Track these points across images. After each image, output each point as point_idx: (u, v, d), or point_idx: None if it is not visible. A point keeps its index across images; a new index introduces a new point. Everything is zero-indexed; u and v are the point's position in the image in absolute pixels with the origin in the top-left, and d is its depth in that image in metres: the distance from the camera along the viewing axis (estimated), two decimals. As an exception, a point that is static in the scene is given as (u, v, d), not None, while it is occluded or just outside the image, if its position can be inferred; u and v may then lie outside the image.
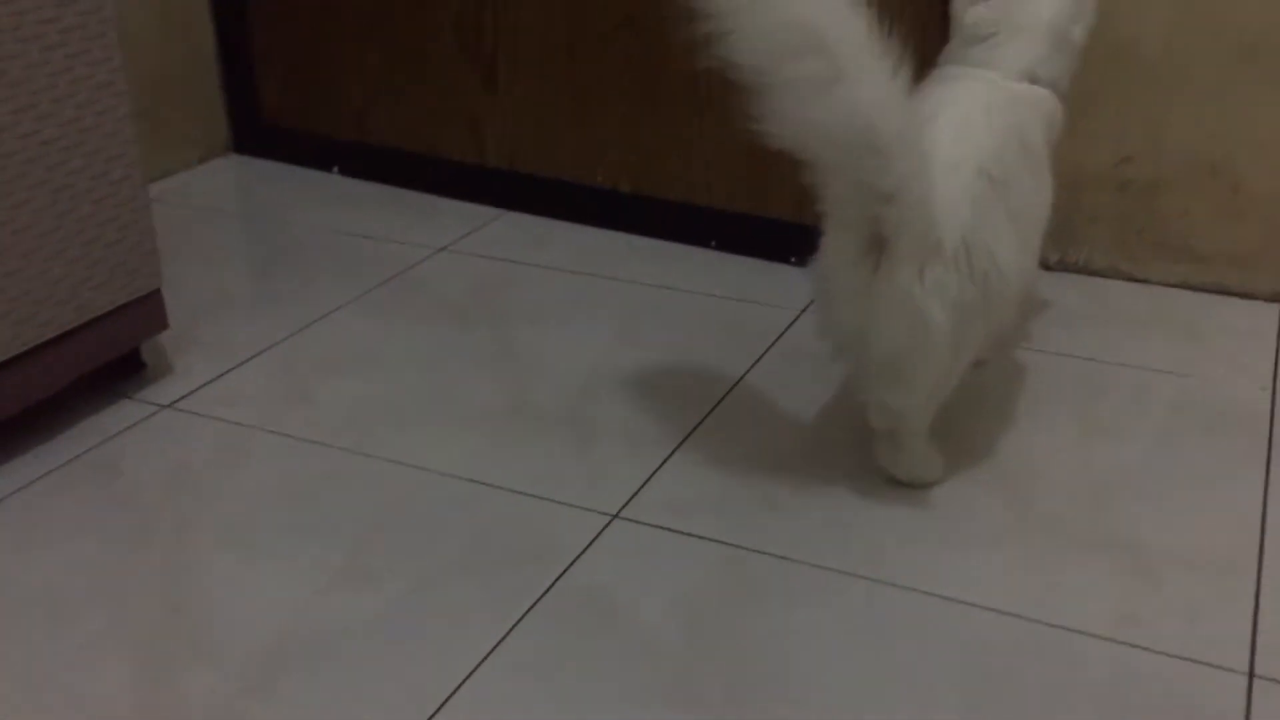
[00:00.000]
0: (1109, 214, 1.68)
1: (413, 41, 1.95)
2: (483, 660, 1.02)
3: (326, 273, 1.71)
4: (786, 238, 1.77)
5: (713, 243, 1.83)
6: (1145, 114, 1.62)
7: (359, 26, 1.98)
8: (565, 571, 1.12)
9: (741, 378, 1.45)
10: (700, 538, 1.17)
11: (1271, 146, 1.58)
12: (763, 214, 1.79)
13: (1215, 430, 1.36)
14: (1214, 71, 1.58)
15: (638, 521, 1.19)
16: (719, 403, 1.40)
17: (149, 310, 1.37)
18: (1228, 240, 1.64)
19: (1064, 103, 1.34)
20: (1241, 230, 1.63)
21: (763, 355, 1.50)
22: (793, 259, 1.78)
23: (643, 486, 1.25)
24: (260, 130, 2.12)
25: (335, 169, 2.07)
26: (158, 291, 1.37)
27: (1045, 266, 1.72)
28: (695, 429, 1.35)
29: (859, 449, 1.31)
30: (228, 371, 1.45)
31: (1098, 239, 1.71)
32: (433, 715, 0.96)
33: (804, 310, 1.62)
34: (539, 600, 1.09)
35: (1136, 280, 1.70)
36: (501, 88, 1.91)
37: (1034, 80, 1.30)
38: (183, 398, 1.39)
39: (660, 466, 1.28)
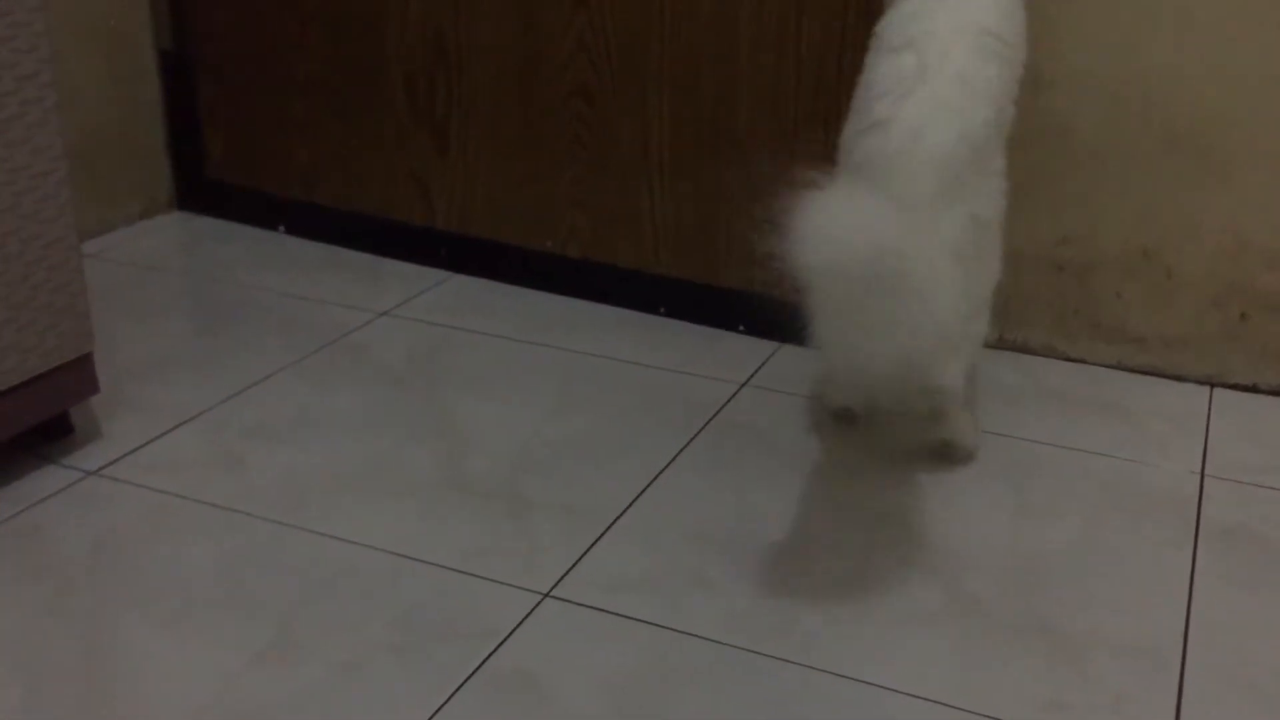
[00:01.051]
0: (1046, 294, 1.71)
1: (364, 101, 1.95)
2: (405, 745, 1.00)
3: (265, 335, 1.69)
4: (735, 306, 1.78)
5: (661, 309, 1.84)
6: (1081, 198, 1.66)
7: (310, 85, 1.98)
8: (494, 652, 1.11)
9: (679, 453, 1.45)
10: (631, 619, 1.16)
11: (1200, 233, 1.62)
12: (711, 282, 1.80)
13: (1145, 514, 1.37)
14: (1145, 159, 1.61)
15: (569, 601, 1.18)
16: (655, 478, 1.39)
17: (79, 374, 1.35)
18: (1160, 323, 1.67)
19: None
20: (1173, 313, 1.66)
21: (701, 429, 1.50)
22: (741, 327, 1.79)
23: (575, 564, 1.24)
24: (205, 187, 2.11)
25: (281, 228, 2.06)
26: (89, 355, 1.35)
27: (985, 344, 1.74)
28: (631, 504, 1.34)
29: (794, 526, 1.32)
30: (158, 437, 1.43)
31: (1035, 319, 1.73)
32: (350, 803, 0.94)
33: (745, 383, 1.63)
34: (467, 681, 1.07)
35: (1073, 360, 1.73)
36: (453, 150, 1.91)
37: None
38: (110, 464, 1.37)
39: (594, 544, 1.27)
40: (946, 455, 1.46)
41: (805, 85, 1.65)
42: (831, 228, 1.09)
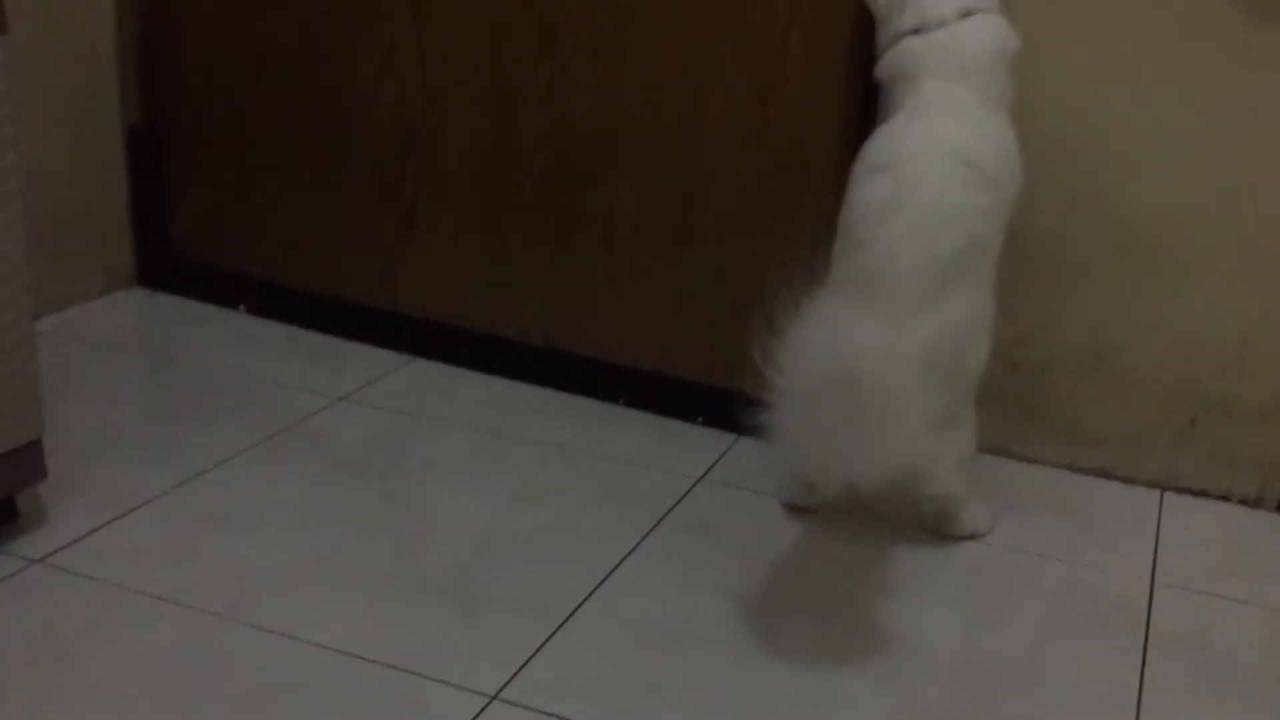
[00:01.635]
0: (1002, 394, 1.72)
1: (333, 184, 1.96)
2: None
3: (221, 419, 1.68)
4: (694, 397, 1.79)
5: (621, 399, 1.84)
6: (1036, 299, 1.68)
7: (278, 165, 1.99)
8: (438, 757, 1.10)
9: (632, 550, 1.44)
10: (579, 724, 1.15)
11: (1152, 337, 1.65)
12: (671, 373, 1.81)
13: (1096, 622, 1.38)
14: (1098, 263, 1.65)
15: (516, 704, 1.17)
16: (609, 575, 1.39)
17: (27, 460, 1.33)
18: (1113, 425, 1.70)
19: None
20: (1126, 416, 1.69)
21: (655, 526, 1.50)
22: (700, 418, 1.79)
23: (524, 665, 1.23)
24: (168, 264, 2.11)
25: (242, 307, 2.06)
26: (38, 441, 1.34)
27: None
28: (583, 603, 1.33)
29: (745, 628, 1.31)
30: (107, 524, 1.41)
31: (991, 418, 1.74)
32: None
33: (702, 477, 1.63)
34: (409, 788, 1.06)
35: (1027, 460, 1.75)
36: (419, 235, 1.92)
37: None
38: (56, 552, 1.35)
39: (543, 644, 1.26)
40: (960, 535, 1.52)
41: (770, 178, 1.68)
42: (810, 349, 1.16)
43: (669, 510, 1.54)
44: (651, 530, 1.49)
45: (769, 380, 1.18)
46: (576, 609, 1.32)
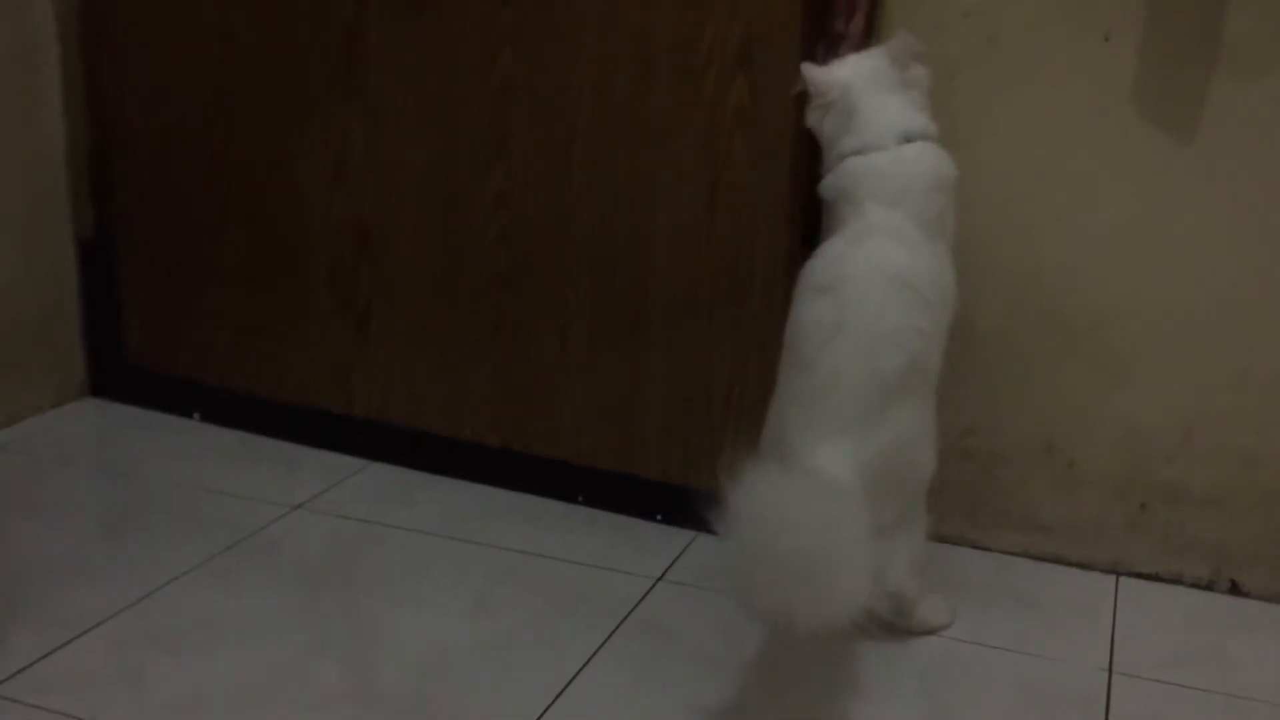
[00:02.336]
0: (955, 483, 1.74)
1: (285, 289, 1.96)
2: None
3: (173, 534, 1.66)
4: (652, 496, 1.79)
5: (579, 498, 1.84)
6: (985, 391, 1.71)
7: (230, 272, 1.99)
8: None
9: (590, 659, 1.43)
10: (538, 847, 1.14)
11: (1099, 427, 1.67)
12: (629, 472, 1.81)
13: (1055, 716, 1.38)
14: (1044, 355, 1.67)
15: (475, 828, 1.15)
16: (566, 687, 1.37)
17: (-28, 588, 1.31)
18: (1065, 513, 1.71)
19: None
20: (1077, 504, 1.70)
21: (613, 632, 1.49)
22: (658, 516, 1.79)
23: (482, 787, 1.21)
24: (120, 374, 2.10)
25: (196, 415, 2.05)
26: (-17, 569, 1.32)
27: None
28: (539, 718, 1.32)
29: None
30: (55, 650, 1.38)
31: (945, 506, 1.75)
32: None
33: (660, 578, 1.63)
34: None
35: (982, 548, 1.75)
36: (373, 339, 1.92)
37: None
38: (1, 682, 1.32)
39: (502, 763, 1.25)
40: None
41: (719, 278, 1.70)
42: (752, 524, 1.20)
43: (627, 615, 1.53)
44: (609, 637, 1.48)
45: (718, 532, 1.22)
46: (535, 723, 1.31)
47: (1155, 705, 1.41)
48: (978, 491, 1.74)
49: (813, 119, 1.50)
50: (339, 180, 1.89)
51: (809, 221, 1.73)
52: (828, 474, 1.32)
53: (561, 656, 1.43)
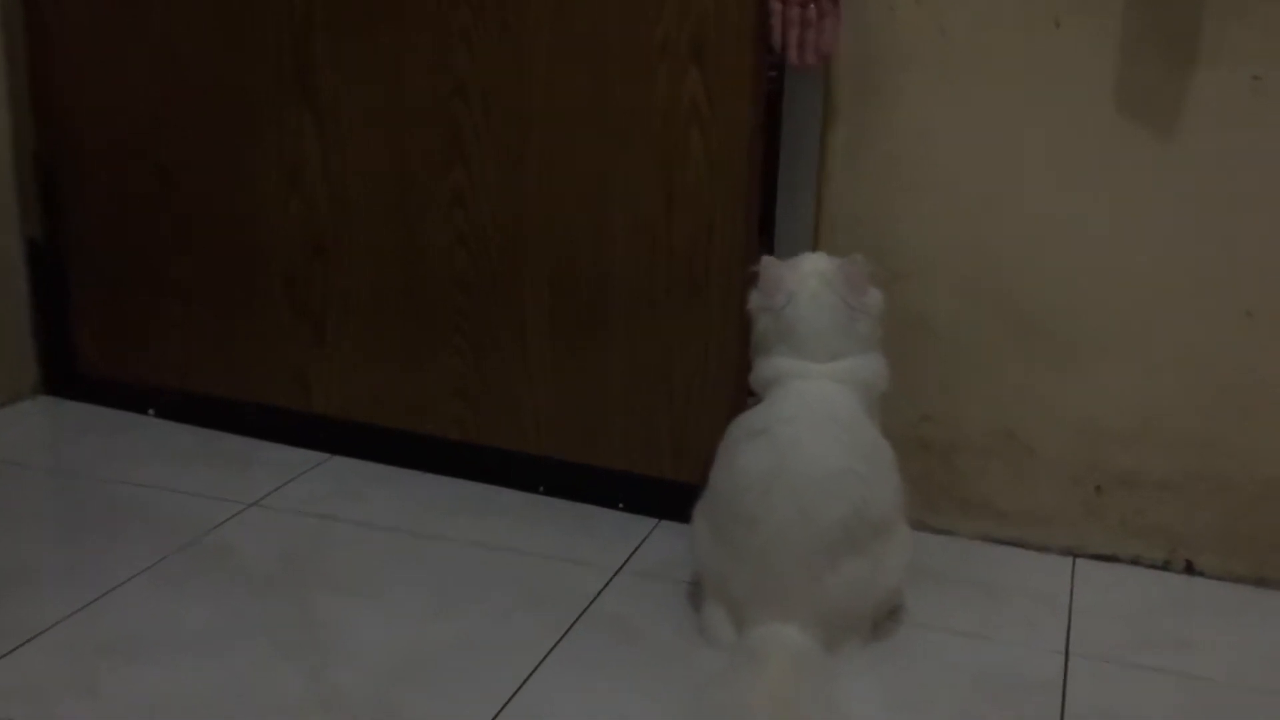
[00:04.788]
0: (915, 470, 1.73)
1: (241, 295, 1.94)
2: None
3: (126, 535, 1.64)
4: (614, 484, 1.79)
5: (541, 488, 1.84)
6: (942, 382, 1.71)
7: (185, 277, 1.97)
8: None
9: (547, 655, 1.43)
10: None
11: (1054, 415, 1.68)
12: (590, 462, 1.80)
13: (1013, 701, 1.39)
14: (999, 347, 1.68)
15: (432, 833, 1.15)
16: (522, 684, 1.37)
17: (-82, 599, 1.29)
18: (1023, 498, 1.72)
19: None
20: (1035, 489, 1.71)
21: (571, 626, 1.49)
22: (620, 504, 1.79)
23: (439, 790, 1.20)
24: (73, 372, 2.07)
25: (151, 411, 2.02)
26: (-71, 579, 1.30)
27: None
28: (495, 718, 1.31)
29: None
30: (2, 658, 1.36)
31: (907, 493, 1.76)
32: None
33: (620, 568, 1.63)
34: None
35: (943, 533, 1.76)
36: (330, 340, 1.90)
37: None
38: (-51, 694, 1.30)
39: (459, 765, 1.24)
40: None
41: (677, 273, 1.69)
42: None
43: (585, 609, 1.53)
44: (567, 632, 1.48)
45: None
46: (491, 725, 1.30)
47: (1111, 687, 1.42)
48: (937, 479, 1.75)
49: (754, 304, 1.49)
50: (293, 184, 1.86)
51: (766, 215, 1.73)
52: (781, 659, 1.35)
53: (521, 654, 1.42)
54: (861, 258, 1.47)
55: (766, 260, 1.48)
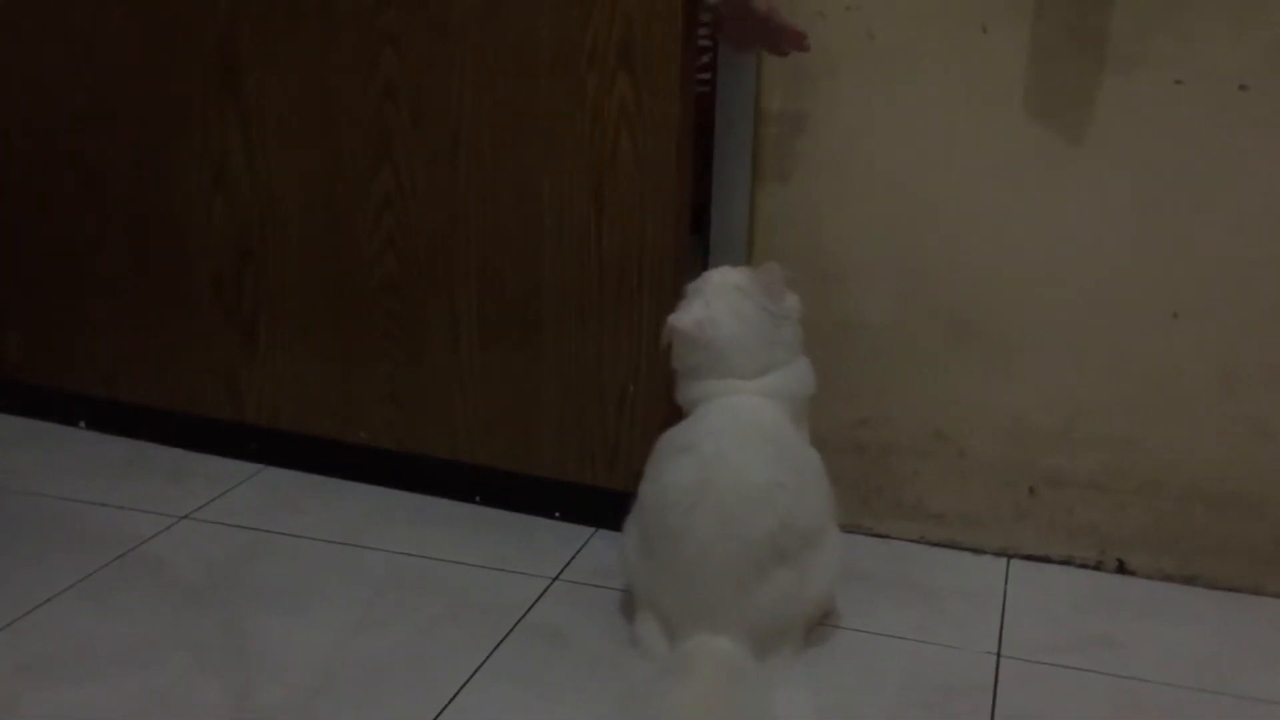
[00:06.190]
0: (850, 473, 1.75)
1: (168, 300, 1.91)
2: None
3: (51, 551, 1.61)
4: (549, 493, 1.78)
5: (476, 498, 1.83)
6: (876, 384, 1.72)
7: (110, 283, 1.94)
8: None
9: (479, 668, 1.41)
10: None
11: (987, 416, 1.69)
12: (526, 471, 1.79)
13: (943, 704, 1.39)
14: (932, 348, 1.69)
15: None
16: (451, 699, 1.36)
17: None
18: (956, 500, 1.73)
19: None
20: (967, 491, 1.72)
21: (505, 638, 1.48)
22: (556, 513, 1.79)
23: (365, 806, 1.19)
24: (0, 383, 2.03)
25: (81, 423, 1.99)
26: None
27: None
28: (427, 731, 1.31)
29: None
30: (-80, 682, 1.34)
31: (842, 497, 1.76)
32: None
33: (555, 578, 1.62)
34: None
35: (878, 535, 1.77)
36: (262, 346, 1.88)
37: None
38: None
39: (385, 781, 1.23)
40: None
41: (608, 277, 1.68)
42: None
43: (519, 619, 1.52)
44: (500, 643, 1.47)
45: None
46: (420, 738, 1.29)
47: (1042, 688, 1.43)
48: (871, 481, 1.76)
49: (677, 360, 1.48)
50: (219, 186, 1.84)
51: (696, 216, 1.72)
52: (712, 670, 1.35)
53: (453, 665, 1.41)
54: (776, 264, 1.46)
55: (671, 318, 1.45)
